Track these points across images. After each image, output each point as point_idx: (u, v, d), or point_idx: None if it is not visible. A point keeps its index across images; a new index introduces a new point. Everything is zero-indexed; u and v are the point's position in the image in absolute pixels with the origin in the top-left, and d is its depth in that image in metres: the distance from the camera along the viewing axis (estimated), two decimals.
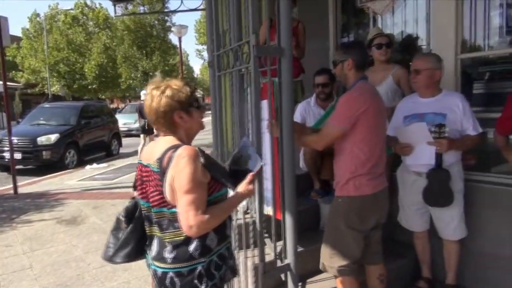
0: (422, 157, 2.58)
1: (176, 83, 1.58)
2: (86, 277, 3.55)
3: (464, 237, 2.76)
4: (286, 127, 2.20)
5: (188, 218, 1.44)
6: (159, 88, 1.56)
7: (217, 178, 1.58)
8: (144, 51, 26.34)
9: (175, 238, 1.54)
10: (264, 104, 2.35)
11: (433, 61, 2.60)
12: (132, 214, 1.69)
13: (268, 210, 2.43)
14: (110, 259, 1.69)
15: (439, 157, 2.53)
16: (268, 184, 2.38)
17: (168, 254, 1.55)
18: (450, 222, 2.67)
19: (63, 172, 8.98)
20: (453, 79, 3.05)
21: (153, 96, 1.55)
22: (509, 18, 2.97)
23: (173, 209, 1.51)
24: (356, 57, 2.26)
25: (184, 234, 1.51)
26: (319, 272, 2.49)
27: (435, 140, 2.47)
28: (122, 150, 12.21)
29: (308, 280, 2.76)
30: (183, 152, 1.47)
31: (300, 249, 2.62)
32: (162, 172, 1.49)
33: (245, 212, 2.57)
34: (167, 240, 1.56)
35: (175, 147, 1.50)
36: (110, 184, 7.51)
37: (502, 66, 3.16)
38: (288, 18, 2.16)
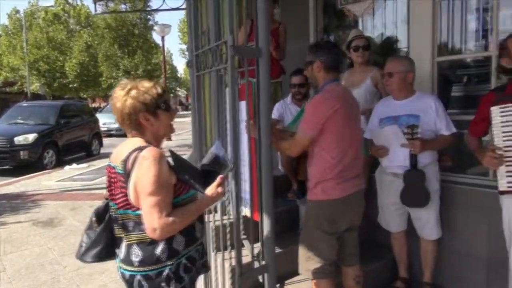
0: (397, 158, 2.62)
1: (144, 84, 1.55)
2: (62, 280, 3.47)
3: (441, 237, 2.80)
4: (263, 128, 2.18)
5: (152, 220, 1.42)
6: (124, 88, 1.53)
7: (184, 180, 1.56)
8: (126, 50, 25.99)
9: (141, 241, 1.52)
10: (242, 105, 2.33)
11: (405, 64, 2.65)
12: (103, 215, 1.67)
13: (246, 211, 2.42)
14: (81, 257, 1.68)
15: (413, 158, 2.57)
16: (246, 186, 2.37)
17: (135, 257, 1.53)
18: (428, 222, 2.71)
19: (41, 172, 8.78)
20: (430, 81, 3.09)
21: (118, 96, 1.53)
22: (484, 22, 3.03)
23: (138, 211, 1.49)
24: (325, 58, 2.23)
25: (150, 237, 1.49)
26: (297, 273, 2.49)
27: (409, 141, 2.51)
28: (103, 150, 12.02)
29: (286, 282, 2.76)
30: (147, 154, 1.44)
31: (278, 250, 2.62)
32: (127, 174, 1.46)
33: (223, 214, 2.55)
34: (133, 242, 1.53)
35: (140, 149, 1.48)
36: (89, 185, 7.39)
37: (477, 69, 3.23)
38: (266, 19, 2.14)
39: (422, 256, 2.83)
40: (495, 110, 2.14)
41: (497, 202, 2.33)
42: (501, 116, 2.12)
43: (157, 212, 1.41)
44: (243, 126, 2.35)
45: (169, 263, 1.53)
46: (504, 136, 2.12)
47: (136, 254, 1.52)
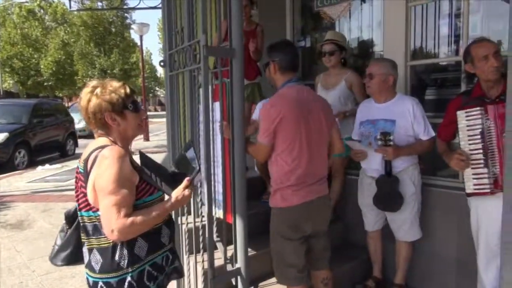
0: (373, 162, 2.66)
1: (112, 84, 1.52)
2: (30, 285, 3.35)
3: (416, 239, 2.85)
4: (237, 129, 2.17)
5: (110, 221, 1.36)
6: (90, 87, 1.50)
7: (149, 180, 1.52)
8: (102, 48, 25.47)
9: (101, 245, 1.47)
10: (216, 105, 2.31)
11: (387, 67, 2.66)
12: (73, 217, 1.65)
13: (219, 213, 2.40)
14: (52, 260, 1.65)
15: (388, 164, 2.59)
16: (219, 187, 2.34)
17: (95, 263, 1.47)
18: (403, 225, 2.74)
19: (12, 173, 8.49)
20: (403, 85, 3.14)
21: (83, 95, 1.49)
22: (456, 27, 3.09)
23: (98, 213, 1.44)
24: (279, 59, 2.21)
25: (110, 241, 1.44)
26: (271, 275, 2.49)
27: (381, 148, 2.53)
28: (78, 150, 11.74)
29: (260, 284, 2.74)
30: (107, 153, 1.41)
31: (252, 252, 2.61)
32: (87, 173, 1.43)
33: (196, 216, 2.52)
34: (93, 247, 1.48)
35: (101, 148, 1.44)
36: (62, 186, 7.18)
37: (449, 73, 3.30)
38: (239, 19, 2.13)
39: (396, 257, 2.86)
40: (461, 114, 2.19)
41: (467, 204, 2.38)
42: (467, 120, 2.17)
43: (115, 212, 1.36)
44: (217, 127, 2.33)
45: (130, 270, 1.46)
46: (469, 140, 2.17)
47: (96, 260, 1.47)
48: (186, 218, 2.50)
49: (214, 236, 2.39)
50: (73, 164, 9.55)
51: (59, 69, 25.53)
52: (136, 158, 1.63)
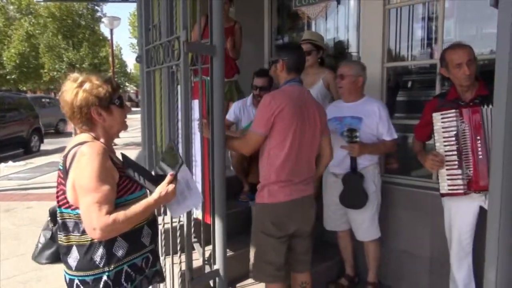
0: (337, 159, 2.67)
1: (97, 78, 1.48)
2: None
3: (387, 237, 2.89)
4: (217, 128, 2.12)
5: (91, 219, 1.33)
6: (76, 81, 1.45)
7: (132, 178, 1.48)
8: (71, 42, 24.55)
9: (80, 243, 1.43)
10: (195, 103, 2.25)
11: (357, 68, 2.73)
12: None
13: (198, 213, 2.35)
14: (36, 258, 1.61)
15: (353, 160, 2.64)
16: (198, 187, 2.29)
17: (73, 261, 1.44)
18: (361, 224, 2.79)
19: None
20: (379, 86, 3.19)
21: (69, 89, 1.45)
22: (431, 30, 3.17)
23: (77, 210, 1.39)
24: (288, 58, 2.23)
25: (89, 239, 1.40)
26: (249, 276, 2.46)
27: (348, 144, 2.58)
28: (44, 147, 11.29)
29: (238, 285, 2.71)
30: (86, 150, 1.38)
31: (230, 253, 2.57)
32: (66, 170, 1.39)
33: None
34: (72, 244, 1.44)
35: (80, 144, 1.40)
36: (26, 184, 6.88)
37: (423, 76, 3.38)
38: (220, 16, 2.08)
39: (365, 256, 2.91)
40: (436, 116, 2.24)
41: (440, 204, 2.44)
42: (442, 122, 2.21)
43: (96, 210, 1.33)
44: (195, 125, 2.27)
45: (106, 269, 1.43)
46: (444, 141, 2.22)
47: (74, 257, 1.44)
48: (163, 219, 2.43)
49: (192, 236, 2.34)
50: (38, 161, 9.18)
51: (23, 61, 24.39)
52: (119, 155, 1.59)
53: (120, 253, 1.45)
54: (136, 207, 1.42)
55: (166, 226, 2.41)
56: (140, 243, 1.53)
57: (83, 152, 1.37)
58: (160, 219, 2.47)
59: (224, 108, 2.20)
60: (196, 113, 2.27)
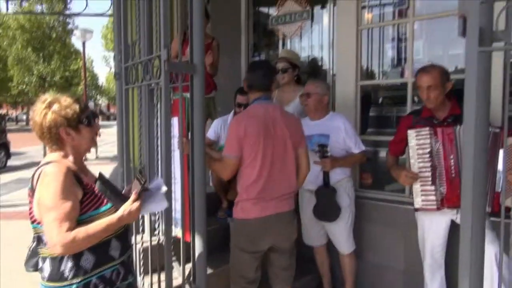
0: (311, 176, 2.72)
1: (65, 98, 1.55)
2: None
3: (363, 250, 2.95)
4: (197, 145, 2.14)
5: (52, 236, 1.40)
6: (44, 102, 1.53)
7: (101, 192, 1.54)
8: (41, 54, 23.95)
9: (52, 255, 1.51)
10: (175, 121, 2.26)
11: (322, 87, 2.84)
12: None
13: (177, 231, 2.33)
14: (25, 265, 1.65)
15: (326, 175, 2.72)
16: (177, 205, 2.28)
17: (45, 272, 1.50)
18: (340, 236, 2.85)
19: None
20: (354, 103, 3.30)
21: (38, 110, 1.52)
22: (402, 51, 3.32)
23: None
24: (249, 78, 2.31)
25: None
26: None
27: (320, 160, 2.66)
28: (11, 162, 10.88)
29: None
30: (48, 170, 1.46)
31: (210, 270, 2.56)
32: (33, 189, 1.49)
33: (152, 234, 2.43)
34: (46, 256, 1.51)
35: (46, 164, 1.50)
36: None
37: (395, 93, 3.51)
38: (201, 35, 2.12)
39: (342, 270, 2.96)
40: (411, 133, 2.33)
41: (413, 218, 2.53)
42: (417, 139, 2.30)
43: (57, 227, 1.40)
44: (175, 142, 2.28)
45: (74, 282, 1.48)
46: (418, 158, 2.31)
47: (47, 269, 1.51)
48: (141, 238, 2.40)
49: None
50: (4, 178, 8.82)
51: None
52: (95, 171, 1.64)
53: (87, 265, 1.50)
54: (98, 225, 1.47)
55: (145, 244, 2.38)
56: (108, 256, 1.57)
57: (46, 172, 1.46)
58: (138, 237, 2.44)
59: (204, 125, 2.22)
60: (175, 130, 2.28)
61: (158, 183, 1.73)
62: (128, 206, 1.52)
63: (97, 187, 1.54)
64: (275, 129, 2.22)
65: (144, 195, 1.61)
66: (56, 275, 1.48)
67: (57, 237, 1.39)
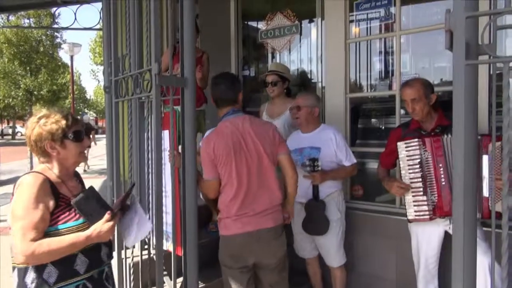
0: (301, 189, 2.73)
1: (56, 114, 1.62)
2: None
3: (355, 261, 2.94)
4: (188, 158, 2.13)
5: (16, 244, 1.44)
6: (36, 116, 1.63)
7: (78, 207, 1.56)
8: (28, 68, 23.74)
9: (18, 265, 1.53)
10: (165, 134, 2.26)
11: (313, 100, 2.86)
12: None
13: (168, 245, 2.31)
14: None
15: (315, 188, 2.71)
16: (168, 218, 2.26)
17: (14, 281, 1.55)
18: (330, 249, 2.83)
19: None
20: (343, 115, 3.33)
21: (30, 124, 1.62)
22: (389, 64, 3.38)
23: None
24: (213, 93, 2.32)
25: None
26: None
27: (310, 173, 2.66)
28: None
29: None
30: (24, 180, 1.52)
31: (201, 285, 2.53)
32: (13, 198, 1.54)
33: (143, 248, 2.39)
34: (15, 266, 1.55)
35: (28, 173, 1.57)
36: None
37: (383, 105, 3.56)
38: (192, 48, 2.13)
39: (332, 281, 2.95)
40: (401, 145, 2.36)
41: (405, 228, 2.54)
42: (406, 151, 2.34)
43: (21, 236, 1.43)
44: (165, 155, 2.27)
45: None
46: (409, 169, 2.34)
47: (14, 279, 1.55)
48: (132, 252, 2.37)
49: None
50: None
51: None
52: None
53: (50, 279, 1.51)
54: (62, 240, 1.49)
55: (135, 259, 2.34)
56: (72, 271, 1.56)
57: (21, 181, 1.53)
58: (129, 252, 2.40)
59: (195, 139, 2.22)
60: (166, 143, 2.27)
61: (139, 211, 1.77)
62: (99, 225, 1.55)
63: (73, 201, 1.55)
64: (247, 143, 2.18)
65: (126, 220, 1.68)
66: (20, 286, 1.52)
67: (21, 246, 1.42)
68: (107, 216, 1.56)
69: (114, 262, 2.56)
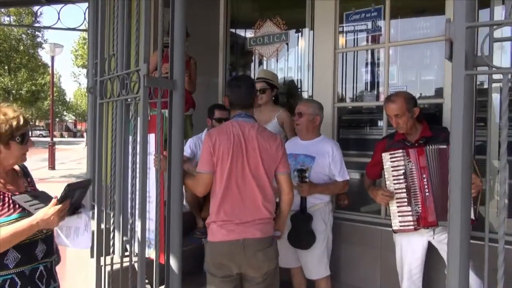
0: None
1: (7, 111, 1.57)
2: None
3: (340, 272, 2.91)
4: (175, 163, 2.07)
5: None
6: None
7: (9, 203, 1.55)
8: (7, 67, 23.13)
9: None
10: (151, 137, 2.19)
11: (315, 107, 2.81)
12: None
13: (150, 252, 2.23)
14: None
15: (303, 200, 2.65)
16: (151, 225, 2.19)
17: None
18: (308, 262, 2.77)
19: None
20: (331, 124, 3.34)
21: None
22: (377, 75, 3.41)
23: None
24: (230, 94, 2.26)
25: None
26: None
27: (297, 184, 2.61)
28: None
29: None
30: None
31: None
32: None
33: (123, 256, 2.31)
34: None
35: None
36: None
37: (371, 116, 3.59)
38: (182, 51, 2.09)
39: None
40: (386, 156, 2.37)
41: (389, 238, 2.54)
42: (391, 161, 2.35)
43: None
44: (150, 159, 2.20)
45: None
46: (394, 179, 2.35)
47: None
48: (112, 259, 2.28)
49: None
50: None
51: None
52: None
53: (11, 264, 1.52)
54: (9, 228, 1.48)
55: (115, 266, 2.25)
56: (33, 255, 1.58)
57: None
58: (108, 258, 2.32)
59: (182, 143, 2.17)
60: (151, 147, 2.21)
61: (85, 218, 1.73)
62: (42, 213, 1.52)
63: (18, 197, 1.55)
64: (247, 150, 2.10)
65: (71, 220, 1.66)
66: None
67: None
68: (53, 201, 1.54)
69: (92, 269, 2.48)
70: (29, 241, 1.57)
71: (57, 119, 45.74)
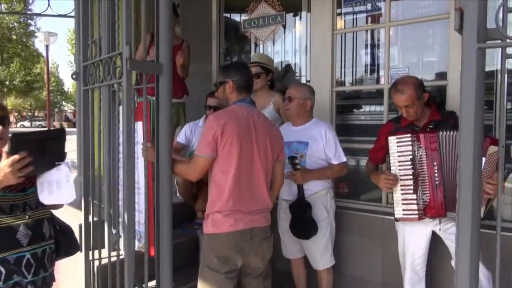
0: (286, 186, 2.56)
1: None
2: None
3: (340, 262, 2.82)
4: (163, 152, 1.95)
5: None
6: None
7: None
8: (0, 57, 22.83)
9: None
10: (139, 125, 2.07)
11: (305, 91, 2.69)
12: None
13: (140, 246, 2.13)
14: None
15: (300, 188, 2.56)
16: (140, 217, 2.08)
17: None
18: (314, 252, 2.69)
19: None
20: (329, 109, 3.22)
21: None
22: (377, 57, 3.26)
23: None
24: (237, 78, 2.13)
25: None
26: None
27: (290, 172, 2.51)
28: None
29: None
30: None
31: None
32: None
33: (111, 250, 2.21)
34: None
35: None
36: None
37: (371, 100, 3.45)
38: (168, 32, 1.95)
39: (318, 285, 2.81)
40: (392, 140, 2.22)
41: (390, 228, 2.44)
42: (398, 146, 2.20)
43: None
44: (138, 149, 2.09)
45: None
46: (400, 165, 2.21)
47: None
48: (100, 253, 2.18)
49: None
50: None
51: None
52: None
53: None
54: None
55: (103, 261, 2.15)
56: (15, 240, 1.56)
57: None
58: (96, 253, 2.22)
59: (171, 130, 2.04)
60: (139, 136, 2.09)
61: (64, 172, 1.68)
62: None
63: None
64: (257, 136, 2.04)
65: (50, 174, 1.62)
66: None
67: None
68: (3, 154, 1.52)
69: (80, 265, 2.39)
70: (6, 225, 1.54)
71: (56, 109, 45.56)
